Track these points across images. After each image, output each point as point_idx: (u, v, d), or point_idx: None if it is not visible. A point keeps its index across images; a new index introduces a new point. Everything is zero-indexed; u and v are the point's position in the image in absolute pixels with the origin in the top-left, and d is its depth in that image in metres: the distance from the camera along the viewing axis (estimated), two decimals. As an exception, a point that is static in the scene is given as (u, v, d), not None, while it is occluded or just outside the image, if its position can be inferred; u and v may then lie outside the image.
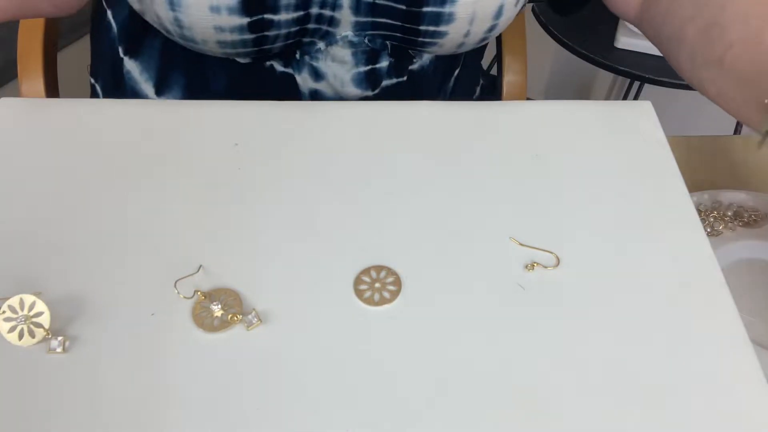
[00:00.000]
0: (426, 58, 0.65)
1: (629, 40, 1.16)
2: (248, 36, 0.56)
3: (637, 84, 1.51)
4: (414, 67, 0.65)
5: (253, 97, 0.57)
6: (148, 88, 0.67)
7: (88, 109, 0.55)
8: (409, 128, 0.54)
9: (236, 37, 0.56)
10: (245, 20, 0.54)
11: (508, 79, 0.70)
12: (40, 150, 0.51)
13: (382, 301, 0.42)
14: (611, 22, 1.18)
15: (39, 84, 0.63)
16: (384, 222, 0.46)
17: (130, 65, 0.67)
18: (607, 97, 1.66)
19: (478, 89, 0.79)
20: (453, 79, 0.71)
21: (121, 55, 0.67)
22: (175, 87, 0.66)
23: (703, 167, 0.69)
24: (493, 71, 0.83)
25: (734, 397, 0.38)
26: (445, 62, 0.67)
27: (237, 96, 0.62)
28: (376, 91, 0.64)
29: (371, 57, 0.61)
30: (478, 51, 0.75)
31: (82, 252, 0.44)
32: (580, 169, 0.51)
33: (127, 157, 0.50)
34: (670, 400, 0.37)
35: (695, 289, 0.43)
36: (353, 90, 0.63)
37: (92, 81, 0.74)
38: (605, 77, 1.60)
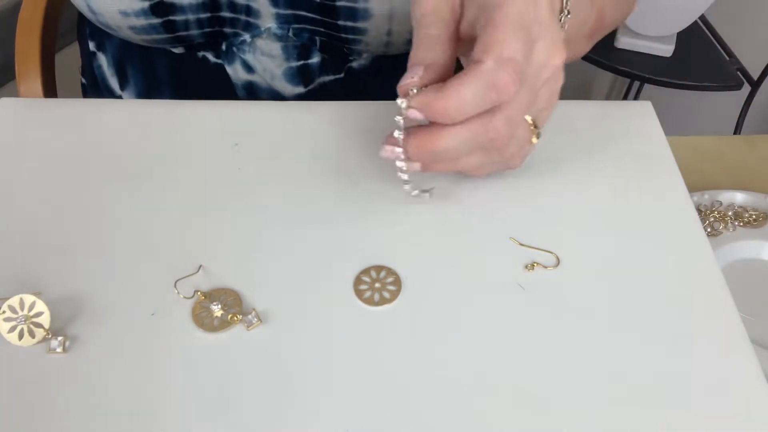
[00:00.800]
0: (365, 56, 0.63)
1: (629, 40, 1.16)
2: (155, 20, 0.56)
3: (637, 84, 1.51)
4: (353, 64, 0.63)
5: (193, 87, 0.59)
6: (114, 82, 0.69)
7: (87, 109, 0.55)
8: (409, 128, 0.54)
9: (143, 21, 0.56)
10: (146, 3, 0.55)
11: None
12: (39, 150, 0.51)
13: (382, 301, 0.42)
14: (611, 22, 1.18)
15: (37, 84, 0.63)
16: (384, 222, 0.46)
17: (101, 59, 0.69)
18: (607, 97, 1.66)
19: None
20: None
21: (93, 49, 0.69)
22: (132, 80, 0.67)
23: (703, 167, 0.69)
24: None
25: (734, 397, 0.38)
26: (388, 62, 0.63)
27: (179, 86, 0.65)
28: (310, 87, 0.63)
29: (302, 52, 0.60)
30: None
31: (82, 252, 0.44)
32: (580, 169, 0.51)
33: (126, 157, 0.50)
34: (670, 400, 0.37)
35: (695, 289, 0.43)
36: (285, 85, 0.62)
37: (82, 80, 0.74)
38: (605, 77, 1.60)
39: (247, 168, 0.50)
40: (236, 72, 0.62)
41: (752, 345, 0.40)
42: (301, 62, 0.61)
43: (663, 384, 0.38)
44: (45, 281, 0.42)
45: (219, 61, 0.62)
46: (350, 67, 0.63)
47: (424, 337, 0.40)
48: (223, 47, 0.61)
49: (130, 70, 0.67)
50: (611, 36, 1.15)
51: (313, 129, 0.53)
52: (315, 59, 0.61)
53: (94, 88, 0.71)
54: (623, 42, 1.15)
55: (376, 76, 0.65)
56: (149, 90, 0.67)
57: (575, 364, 0.39)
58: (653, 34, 1.14)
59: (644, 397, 0.37)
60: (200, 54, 0.62)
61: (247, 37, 0.59)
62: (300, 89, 0.62)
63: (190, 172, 0.49)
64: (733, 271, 0.58)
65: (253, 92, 0.64)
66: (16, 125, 0.53)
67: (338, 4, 0.55)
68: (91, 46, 0.69)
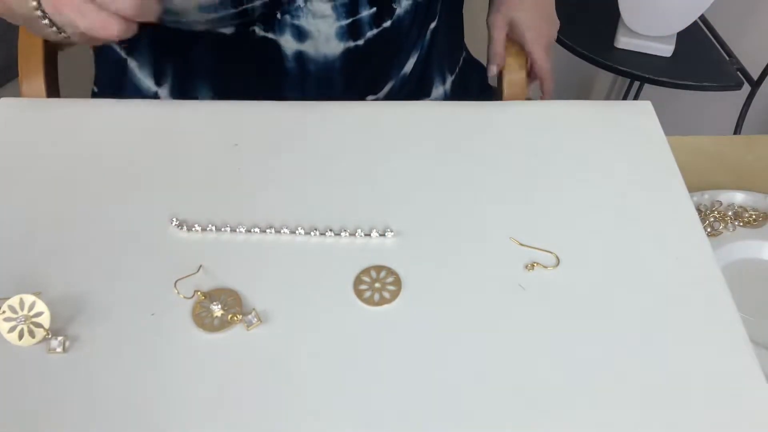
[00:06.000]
0: (404, 5, 0.66)
1: (629, 40, 1.15)
2: None
3: (637, 84, 1.50)
4: (392, 18, 0.66)
5: (240, 70, 0.59)
6: (149, 82, 0.69)
7: (88, 109, 0.55)
8: (409, 128, 0.54)
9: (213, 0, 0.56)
10: None
11: (509, 79, 0.69)
12: (40, 150, 0.51)
13: (382, 301, 0.42)
14: (611, 22, 1.18)
15: (40, 84, 0.63)
16: (384, 222, 0.46)
17: (132, 64, 0.68)
18: (607, 97, 1.66)
19: (461, 59, 0.78)
20: (429, 32, 0.71)
21: (124, 56, 0.68)
22: (169, 74, 0.68)
23: (703, 167, 0.68)
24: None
25: (734, 397, 0.38)
26: (421, 15, 0.69)
27: (225, 72, 0.65)
28: (359, 42, 0.65)
29: (352, 8, 0.63)
30: (455, 8, 0.76)
31: (82, 252, 0.44)
32: (580, 169, 0.51)
33: (126, 157, 0.50)
34: (670, 400, 0.37)
35: (695, 289, 0.43)
36: (338, 44, 0.64)
37: (94, 89, 0.74)
38: (605, 77, 1.60)
39: (247, 168, 0.50)
40: (288, 43, 0.64)
41: (752, 345, 0.40)
42: (350, 19, 0.63)
43: (663, 384, 0.38)
44: (45, 281, 0.42)
45: (268, 35, 0.63)
46: (390, 20, 0.65)
47: (424, 337, 0.40)
48: (278, 16, 0.62)
49: (167, 65, 0.67)
50: (611, 36, 1.15)
51: (313, 129, 0.53)
52: (364, 13, 0.63)
53: (119, 92, 0.71)
54: (623, 42, 1.15)
55: (410, 29, 0.68)
56: (189, 81, 0.68)
57: (575, 363, 0.39)
58: (653, 34, 1.14)
59: (644, 397, 0.37)
60: (250, 29, 0.63)
61: (300, 1, 0.61)
62: (350, 44, 0.64)
63: (190, 172, 0.49)
64: (733, 271, 0.58)
65: (302, 62, 0.65)
66: (17, 125, 0.53)
67: None
68: (121, 52, 0.69)
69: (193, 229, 0.45)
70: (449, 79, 0.75)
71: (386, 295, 0.42)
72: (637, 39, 1.16)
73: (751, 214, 0.62)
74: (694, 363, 0.39)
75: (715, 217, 0.62)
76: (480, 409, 0.37)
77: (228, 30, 0.63)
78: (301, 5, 0.62)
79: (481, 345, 0.40)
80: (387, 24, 0.66)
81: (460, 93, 0.76)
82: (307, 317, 0.41)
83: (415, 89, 0.73)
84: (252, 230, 0.45)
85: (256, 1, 0.59)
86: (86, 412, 0.36)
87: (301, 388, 0.38)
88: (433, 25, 0.71)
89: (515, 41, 0.71)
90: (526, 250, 0.45)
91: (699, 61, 1.17)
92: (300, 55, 0.65)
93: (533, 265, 0.44)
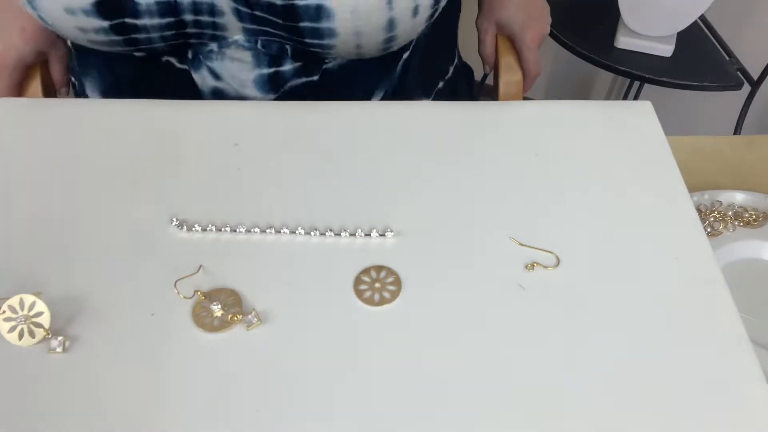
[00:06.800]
0: (340, 60, 0.60)
1: (629, 40, 1.15)
2: (116, 37, 0.54)
3: (637, 84, 1.50)
4: (329, 66, 0.60)
5: (158, 91, 0.56)
6: (82, 83, 0.67)
7: (87, 109, 0.55)
8: (408, 128, 0.54)
9: (103, 38, 0.54)
10: (105, 23, 0.52)
11: (504, 79, 0.69)
12: (39, 150, 0.51)
13: (382, 301, 0.42)
14: (611, 22, 1.18)
15: (36, 83, 0.63)
16: (384, 222, 0.46)
17: (73, 63, 0.68)
18: (607, 97, 1.66)
19: (451, 70, 0.74)
20: (400, 64, 0.65)
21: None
22: (93, 82, 0.66)
23: (703, 167, 0.69)
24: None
25: (734, 397, 0.38)
26: (363, 64, 0.61)
27: (143, 90, 0.61)
28: (278, 94, 0.61)
29: (274, 60, 0.58)
30: (445, 21, 0.68)
31: (82, 252, 0.44)
32: (580, 169, 0.51)
33: (126, 157, 0.50)
34: (670, 400, 0.37)
35: (695, 289, 0.43)
36: (255, 93, 0.60)
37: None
38: (605, 77, 1.60)
39: (247, 168, 0.50)
40: (203, 79, 0.60)
41: (752, 345, 0.40)
42: (273, 69, 0.59)
43: (663, 384, 0.38)
44: (45, 281, 0.42)
45: (183, 66, 0.60)
46: (326, 69, 0.61)
47: (424, 337, 0.40)
48: (189, 55, 0.59)
49: (92, 72, 0.65)
50: (611, 36, 1.15)
51: (313, 129, 0.53)
52: (288, 66, 0.59)
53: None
54: (623, 42, 1.15)
55: (352, 77, 0.63)
56: (109, 93, 0.65)
57: (575, 363, 0.39)
58: (653, 34, 1.14)
59: (644, 397, 0.37)
60: (164, 59, 0.60)
61: (214, 46, 0.58)
62: (270, 96, 0.60)
63: (190, 172, 0.49)
64: (733, 271, 0.58)
65: (221, 98, 0.61)
66: (16, 125, 0.53)
67: (301, 25, 0.52)
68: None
69: (193, 229, 0.45)
70: (435, 91, 0.72)
71: (386, 295, 0.42)
72: (637, 39, 1.16)
73: (751, 214, 0.62)
74: (693, 363, 0.39)
75: (715, 217, 0.62)
76: (480, 409, 0.37)
77: (139, 54, 0.59)
78: (215, 50, 0.57)
79: (481, 345, 0.40)
80: (315, 77, 0.60)
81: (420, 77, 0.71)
82: (307, 317, 0.41)
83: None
84: (252, 230, 0.45)
85: (155, 44, 0.55)
86: (86, 412, 0.36)
87: (301, 388, 0.38)
88: (406, 55, 0.65)
89: (508, 40, 0.71)
90: (526, 250, 0.45)
91: (699, 61, 1.17)
92: (218, 92, 0.60)
93: (533, 265, 0.44)
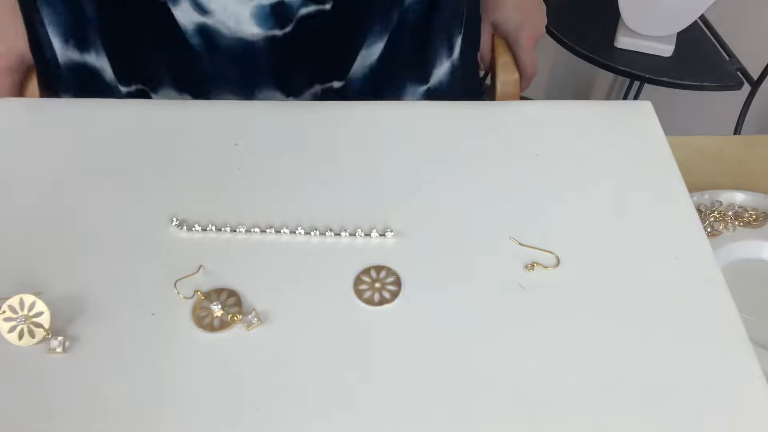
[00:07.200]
0: None
1: (629, 40, 1.15)
2: None
3: (637, 84, 1.50)
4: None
5: (129, 31, 0.47)
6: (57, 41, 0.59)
7: (88, 109, 0.55)
8: (408, 128, 0.54)
9: None
10: None
11: (502, 78, 0.70)
12: (39, 150, 0.51)
13: (382, 301, 0.42)
14: (611, 22, 1.18)
15: (33, 84, 0.63)
16: (384, 222, 0.46)
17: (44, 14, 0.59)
18: (607, 97, 1.66)
19: (457, 43, 0.66)
20: (406, 5, 0.57)
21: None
22: (55, 17, 0.57)
23: (704, 167, 0.69)
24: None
25: (734, 397, 0.38)
26: None
27: (112, 31, 0.52)
28: (287, 29, 0.50)
29: None
30: None
31: (82, 252, 0.44)
32: (580, 169, 0.51)
33: (126, 157, 0.50)
34: (670, 400, 0.37)
35: (695, 289, 0.43)
36: (253, 29, 0.49)
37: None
38: (605, 77, 1.60)
39: (247, 168, 0.50)
40: (185, 14, 0.49)
41: (752, 345, 0.40)
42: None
43: (663, 384, 0.38)
44: (45, 281, 0.42)
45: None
46: None
47: (424, 337, 0.40)
48: None
49: (50, 3, 0.54)
50: (611, 36, 1.15)
51: (313, 129, 0.53)
52: None
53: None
54: (623, 42, 1.15)
55: (366, 10, 0.54)
56: (75, 35, 0.56)
57: (575, 363, 0.39)
58: (653, 34, 1.14)
59: (644, 397, 0.37)
60: None
61: None
62: (276, 32, 0.50)
63: (190, 172, 0.49)
64: (733, 271, 0.58)
65: (210, 39, 0.50)
66: (16, 125, 0.53)
67: None
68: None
69: (193, 229, 0.45)
70: (456, 49, 0.65)
71: (386, 295, 0.42)
72: (637, 39, 1.16)
73: (751, 214, 0.62)
74: (693, 363, 0.39)
75: (715, 217, 0.62)
76: (480, 409, 0.37)
77: None
78: None
79: (481, 345, 0.40)
80: (327, 6, 0.51)
81: (455, 82, 0.67)
82: (307, 317, 0.41)
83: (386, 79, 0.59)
84: (252, 230, 0.45)
85: None
86: (86, 412, 0.36)
87: (301, 388, 0.38)
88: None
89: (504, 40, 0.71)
90: (526, 250, 0.45)
91: (699, 61, 1.17)
92: (205, 31, 0.50)
93: (533, 265, 0.44)
